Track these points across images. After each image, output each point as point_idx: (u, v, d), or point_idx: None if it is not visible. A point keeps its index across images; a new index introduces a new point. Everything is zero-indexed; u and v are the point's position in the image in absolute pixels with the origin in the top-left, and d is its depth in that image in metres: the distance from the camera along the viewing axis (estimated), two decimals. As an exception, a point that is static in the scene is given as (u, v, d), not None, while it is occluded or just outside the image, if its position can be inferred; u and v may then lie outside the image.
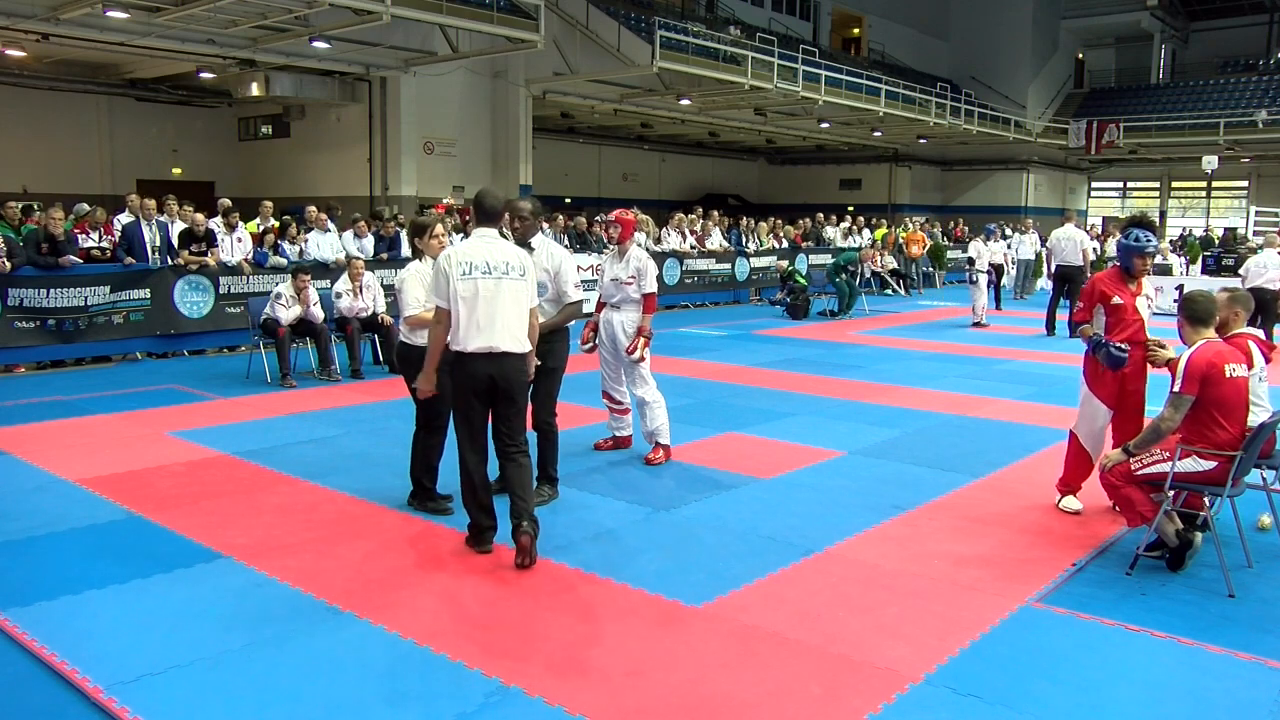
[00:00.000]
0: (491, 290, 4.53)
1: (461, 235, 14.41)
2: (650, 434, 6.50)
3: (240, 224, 11.95)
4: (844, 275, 16.55)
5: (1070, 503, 5.55)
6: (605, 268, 6.62)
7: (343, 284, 10.00)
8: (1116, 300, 5.39)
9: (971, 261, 15.25)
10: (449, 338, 4.61)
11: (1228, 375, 4.47)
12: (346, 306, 9.90)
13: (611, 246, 6.66)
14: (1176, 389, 4.50)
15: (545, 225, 16.03)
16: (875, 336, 13.77)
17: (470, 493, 4.73)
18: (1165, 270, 18.01)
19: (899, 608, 4.17)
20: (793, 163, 36.17)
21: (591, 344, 6.67)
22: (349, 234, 12.66)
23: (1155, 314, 5.69)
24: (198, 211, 11.56)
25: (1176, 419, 4.52)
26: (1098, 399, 5.50)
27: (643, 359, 6.42)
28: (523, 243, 5.34)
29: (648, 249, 10.58)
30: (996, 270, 17.72)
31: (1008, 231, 20.29)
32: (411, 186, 19.59)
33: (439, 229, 5.60)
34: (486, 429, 4.71)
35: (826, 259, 18.66)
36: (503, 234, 5.07)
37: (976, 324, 14.80)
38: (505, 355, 4.54)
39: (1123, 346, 5.26)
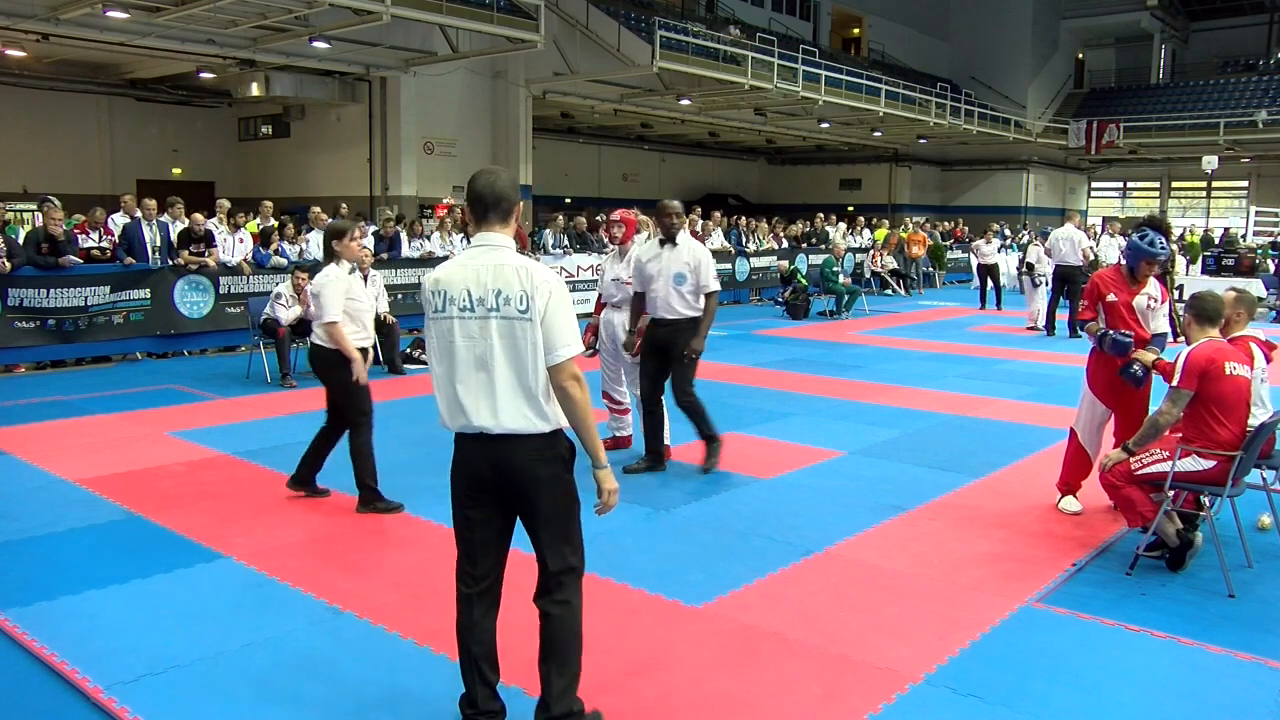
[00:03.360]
0: (473, 336, 2.90)
1: (462, 236, 14.40)
2: (652, 433, 6.50)
3: (242, 224, 11.97)
4: (836, 279, 16.63)
5: (1070, 504, 5.55)
6: (605, 268, 6.63)
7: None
8: (1111, 298, 5.36)
9: (1030, 267, 15.01)
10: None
11: (1227, 373, 4.47)
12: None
13: (612, 247, 6.66)
14: (1175, 383, 4.51)
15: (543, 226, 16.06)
16: (875, 336, 13.77)
17: (461, 652, 3.05)
18: (1166, 270, 17.99)
19: (899, 608, 4.17)
20: (793, 163, 36.18)
21: (593, 348, 6.68)
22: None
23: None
24: (197, 212, 11.56)
25: (1175, 413, 4.53)
26: (1097, 398, 5.50)
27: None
28: (670, 239, 5.95)
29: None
30: (990, 271, 17.67)
31: (1006, 232, 20.26)
32: (411, 186, 19.60)
33: (356, 232, 5.60)
34: (494, 559, 3.04)
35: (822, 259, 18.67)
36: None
37: (1032, 328, 14.43)
38: (508, 440, 2.89)
39: (1127, 333, 5.17)
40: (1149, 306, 5.38)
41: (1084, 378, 5.59)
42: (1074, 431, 5.62)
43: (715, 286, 6.08)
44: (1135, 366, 5.14)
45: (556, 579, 2.96)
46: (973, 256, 18.17)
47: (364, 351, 5.43)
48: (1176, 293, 15.27)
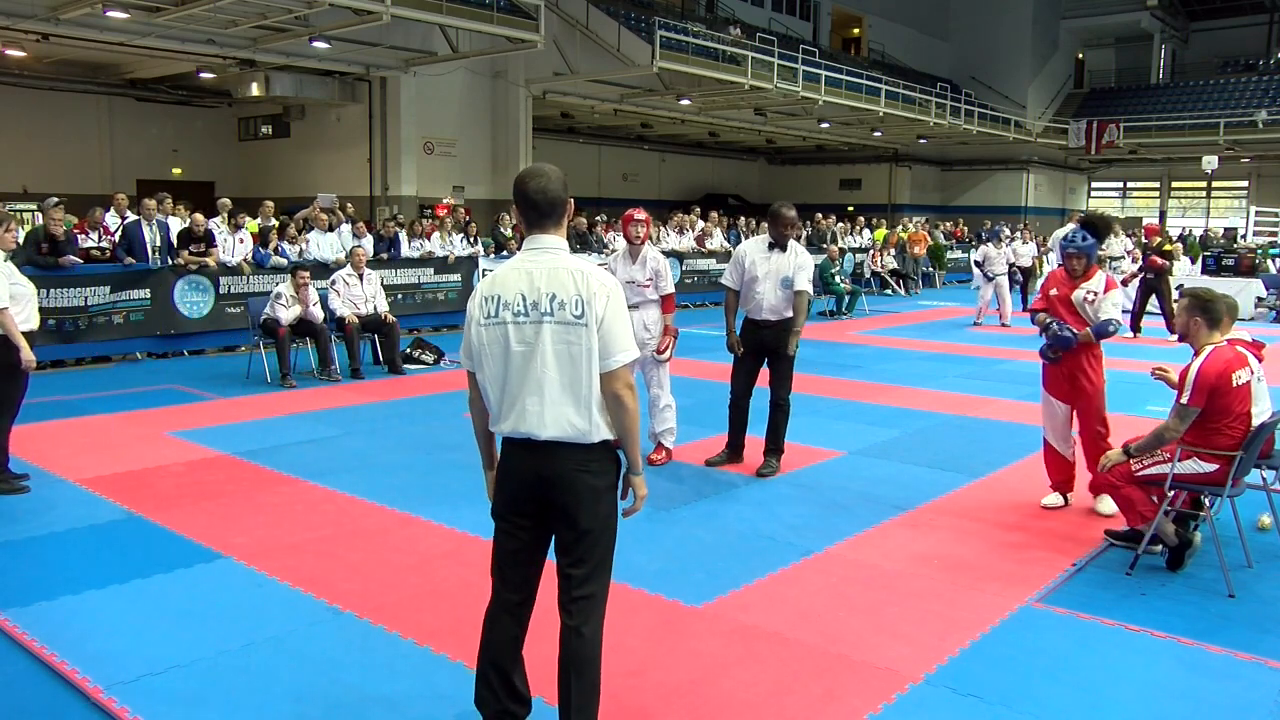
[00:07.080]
0: (528, 342, 2.77)
1: (462, 236, 14.39)
2: (657, 434, 6.51)
3: (243, 224, 11.97)
4: (834, 280, 16.63)
5: (1052, 499, 5.64)
6: (617, 270, 6.49)
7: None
8: (1053, 292, 5.58)
9: (979, 264, 15.86)
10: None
11: (1234, 384, 4.42)
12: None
13: (620, 247, 6.67)
14: (1184, 401, 4.43)
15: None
16: (875, 336, 13.77)
17: (479, 658, 3.03)
18: (1166, 271, 17.91)
19: (899, 608, 4.17)
20: (793, 163, 36.17)
21: None
22: (348, 231, 12.65)
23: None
24: (197, 211, 11.56)
25: (1181, 429, 4.48)
26: (1052, 397, 5.61)
27: (670, 358, 6.51)
28: (782, 244, 6.11)
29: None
30: (1024, 272, 17.56)
31: (1007, 231, 20.18)
32: (411, 186, 19.60)
33: (12, 225, 5.76)
34: (526, 573, 2.96)
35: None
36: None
37: (977, 324, 15.01)
38: (554, 448, 2.79)
39: (1070, 330, 5.39)
40: (1087, 300, 5.44)
41: (1040, 382, 5.71)
42: (1045, 436, 5.71)
43: (808, 288, 6.34)
44: (1051, 329, 5.40)
45: (578, 603, 2.86)
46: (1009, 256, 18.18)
47: (27, 335, 5.66)
48: (1176, 292, 15.26)
